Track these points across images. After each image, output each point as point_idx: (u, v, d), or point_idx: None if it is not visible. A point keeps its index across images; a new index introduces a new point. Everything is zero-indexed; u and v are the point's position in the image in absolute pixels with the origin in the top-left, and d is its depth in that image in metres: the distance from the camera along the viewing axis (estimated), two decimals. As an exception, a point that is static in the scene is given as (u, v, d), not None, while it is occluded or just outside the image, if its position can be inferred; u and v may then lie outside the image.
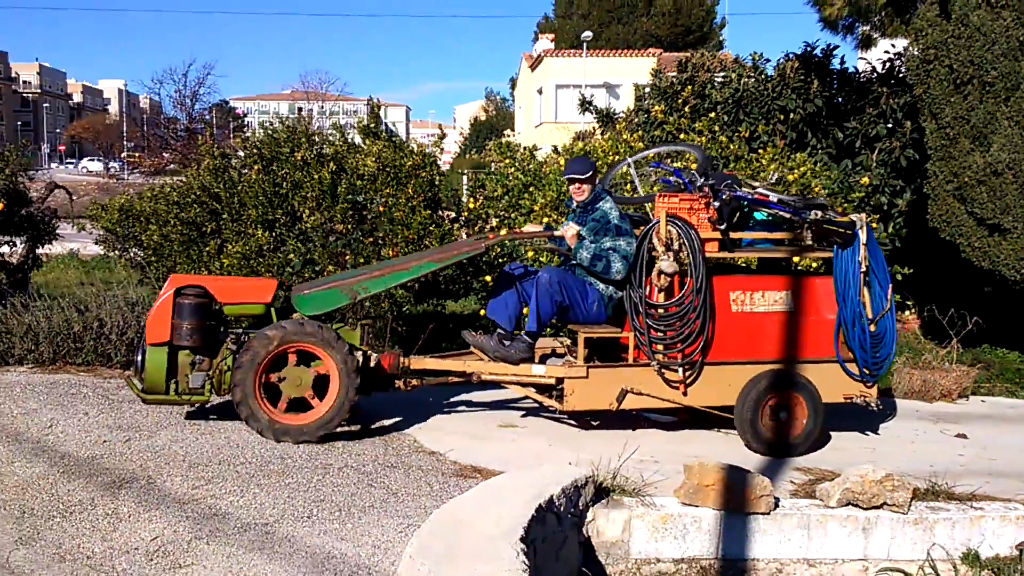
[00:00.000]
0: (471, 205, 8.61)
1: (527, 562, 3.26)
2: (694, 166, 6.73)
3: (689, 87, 10.59)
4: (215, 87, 55.73)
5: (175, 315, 5.38)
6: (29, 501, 4.34)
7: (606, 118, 12.11)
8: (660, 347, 5.56)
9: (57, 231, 10.20)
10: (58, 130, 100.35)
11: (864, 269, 5.65)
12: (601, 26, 43.41)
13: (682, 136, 9.64)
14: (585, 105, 12.65)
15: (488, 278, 7.87)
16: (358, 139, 9.53)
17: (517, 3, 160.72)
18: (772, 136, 9.89)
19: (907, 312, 9.74)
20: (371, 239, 7.52)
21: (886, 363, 5.80)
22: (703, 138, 9.04)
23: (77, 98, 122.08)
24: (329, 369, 5.32)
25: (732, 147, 8.97)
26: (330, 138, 9.36)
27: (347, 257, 7.35)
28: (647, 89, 11.84)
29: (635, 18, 44.14)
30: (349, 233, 7.62)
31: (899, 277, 8.35)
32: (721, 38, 45.23)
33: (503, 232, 6.13)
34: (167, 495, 4.42)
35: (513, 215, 8.19)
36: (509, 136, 42.90)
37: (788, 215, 5.73)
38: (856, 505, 4.50)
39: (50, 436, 5.27)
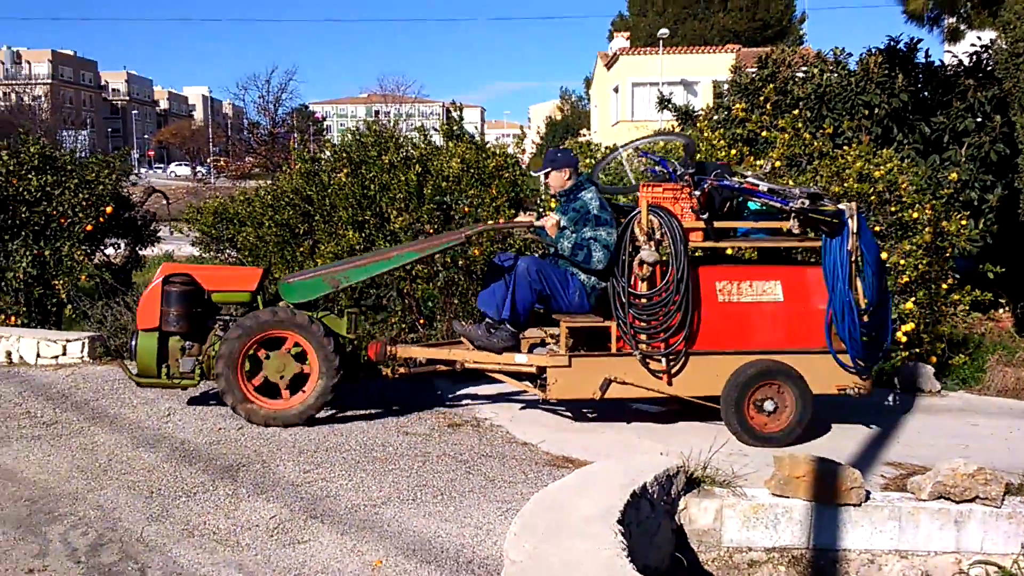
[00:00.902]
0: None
1: (624, 542, 3.41)
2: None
3: (771, 84, 10.56)
4: (296, 92, 56.95)
5: (163, 302, 5.64)
6: (156, 483, 4.68)
7: (685, 116, 12.13)
8: (643, 337, 5.59)
9: (158, 233, 10.69)
10: (146, 136, 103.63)
11: (855, 258, 5.55)
12: (677, 23, 43.14)
13: (764, 133, 9.64)
14: (663, 103, 12.69)
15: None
16: (438, 140, 9.80)
17: (591, 2, 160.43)
18: (857, 132, 9.82)
19: (1000, 310, 9.56)
20: (460, 238, 7.74)
21: (881, 354, 5.71)
22: (786, 135, 9.04)
23: (163, 104, 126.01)
24: (308, 355, 5.56)
25: (816, 144, 8.95)
26: (414, 141, 9.65)
27: (436, 256, 7.58)
28: (727, 86, 11.82)
29: (711, 14, 43.75)
30: (438, 232, 7.86)
31: (991, 275, 8.23)
32: (801, 32, 44.52)
33: (489, 223, 6.23)
34: (281, 478, 4.71)
35: (596, 214, 8.33)
36: (585, 135, 42.92)
37: (778, 204, 5.66)
38: (948, 498, 4.51)
39: (169, 424, 5.64)
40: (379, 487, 4.59)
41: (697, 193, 5.62)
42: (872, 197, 7.83)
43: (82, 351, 7.32)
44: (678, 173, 5.91)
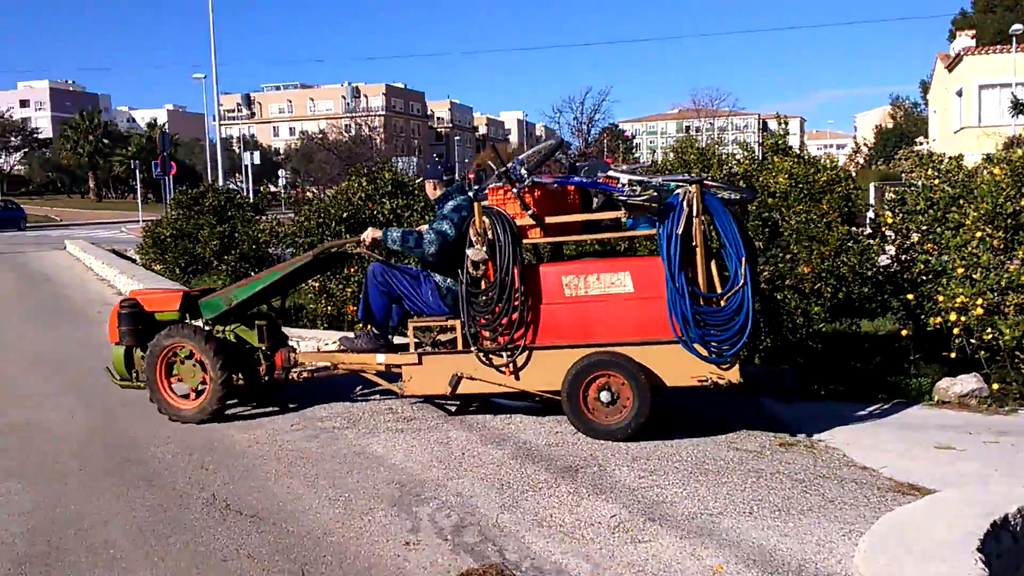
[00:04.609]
0: (889, 220, 8.35)
1: (986, 570, 3.23)
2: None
3: None
4: (608, 112, 58.19)
5: (118, 322, 6.68)
6: (504, 476, 5.10)
7: (1043, 121, 11.00)
8: (487, 333, 5.83)
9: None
10: (466, 160, 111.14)
11: (697, 242, 5.41)
12: (1033, 16, 38.92)
13: None
14: (1018, 107, 11.60)
15: (911, 296, 7.60)
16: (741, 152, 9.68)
17: (926, 2, 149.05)
18: None
19: None
20: (788, 256, 7.61)
21: (736, 342, 5.43)
22: None
23: (482, 130, 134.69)
24: (205, 364, 6.38)
25: None
26: (737, 157, 9.62)
27: (764, 274, 7.51)
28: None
29: (1075, 3, 39.02)
30: (765, 250, 7.78)
31: None
32: None
33: (328, 243, 7.25)
34: (617, 481, 4.95)
35: (939, 230, 7.81)
36: (922, 144, 39.94)
37: (621, 197, 5.66)
38: None
39: (511, 425, 6.12)
40: (714, 498, 4.67)
41: (515, 191, 5.76)
42: None
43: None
44: (496, 173, 6.00)
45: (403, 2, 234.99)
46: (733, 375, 5.53)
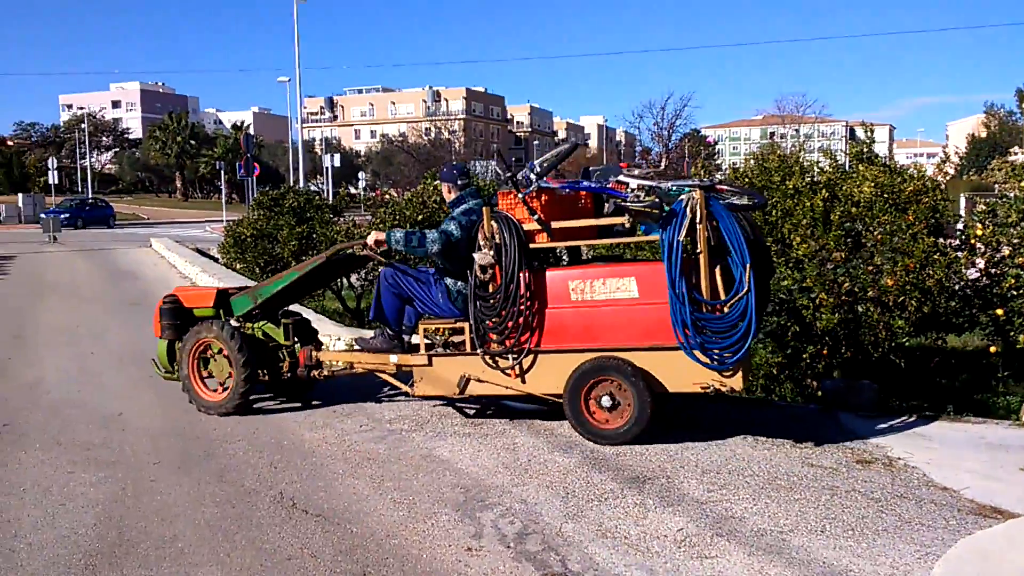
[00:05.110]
0: (979, 232, 8.01)
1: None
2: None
3: None
4: (689, 118, 57.47)
5: (160, 317, 7.02)
6: (570, 485, 5.05)
7: None
8: (493, 336, 5.84)
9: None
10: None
11: (701, 248, 5.35)
12: None
13: None
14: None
15: (1000, 311, 7.29)
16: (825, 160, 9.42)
17: (1022, 8, 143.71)
18: None
19: None
20: (871, 267, 7.36)
21: (738, 349, 5.34)
22: None
23: (561, 134, 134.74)
24: (231, 359, 6.59)
25: None
26: (821, 166, 9.38)
27: (845, 285, 7.28)
28: None
29: None
30: (847, 261, 7.55)
31: None
32: None
33: (340, 245, 7.38)
34: (685, 494, 4.85)
35: (1032, 243, 7.46)
36: (1016, 153, 38.49)
37: (625, 202, 5.62)
38: None
39: (575, 433, 6.04)
40: (785, 515, 4.53)
41: (521, 196, 5.78)
42: None
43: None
44: (504, 178, 5.94)
45: (484, 7, 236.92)
46: (736, 382, 5.49)
